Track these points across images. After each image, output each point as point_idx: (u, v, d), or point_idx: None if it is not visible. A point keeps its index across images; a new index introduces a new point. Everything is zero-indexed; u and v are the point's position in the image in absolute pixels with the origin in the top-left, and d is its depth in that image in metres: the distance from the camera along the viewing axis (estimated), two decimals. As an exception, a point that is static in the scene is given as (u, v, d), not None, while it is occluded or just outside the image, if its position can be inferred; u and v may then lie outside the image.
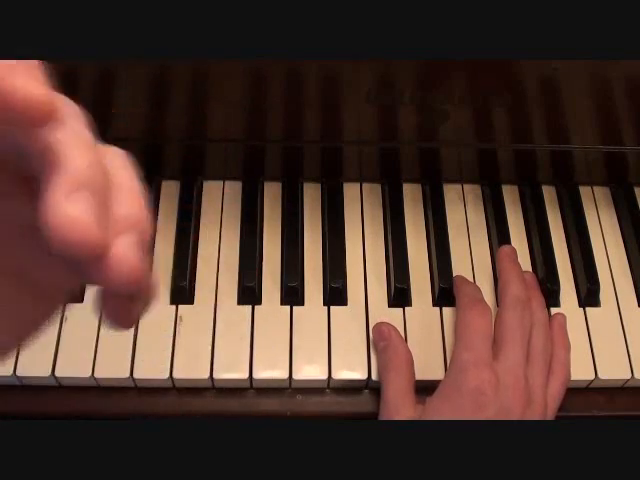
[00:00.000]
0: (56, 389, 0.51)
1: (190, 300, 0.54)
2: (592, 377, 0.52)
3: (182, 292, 0.54)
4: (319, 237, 0.58)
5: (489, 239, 0.59)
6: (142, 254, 0.24)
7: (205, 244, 0.57)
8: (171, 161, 0.60)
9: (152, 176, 0.60)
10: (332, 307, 0.54)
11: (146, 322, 0.52)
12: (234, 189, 0.61)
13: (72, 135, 0.24)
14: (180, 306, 0.54)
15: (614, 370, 0.53)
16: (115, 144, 0.25)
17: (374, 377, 0.51)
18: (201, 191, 0.60)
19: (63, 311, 0.53)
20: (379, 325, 0.52)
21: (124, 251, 0.23)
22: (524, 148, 0.58)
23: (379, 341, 0.51)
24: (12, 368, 0.50)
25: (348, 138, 0.56)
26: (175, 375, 0.50)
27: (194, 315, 0.53)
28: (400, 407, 0.48)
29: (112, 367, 0.51)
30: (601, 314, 0.55)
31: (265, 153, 0.59)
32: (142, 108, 0.53)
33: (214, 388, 0.52)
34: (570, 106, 0.54)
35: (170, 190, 0.60)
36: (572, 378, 0.52)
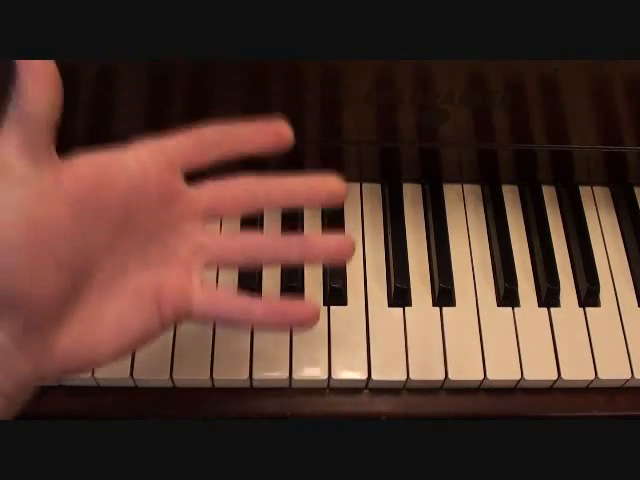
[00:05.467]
0: (56, 389, 0.51)
1: (190, 300, 0.54)
2: (592, 377, 0.52)
3: (182, 292, 0.54)
4: (319, 237, 0.58)
5: (489, 239, 0.59)
6: None
7: (205, 244, 0.57)
8: (171, 161, 0.59)
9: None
10: (332, 307, 0.54)
11: (146, 322, 0.52)
12: (234, 189, 0.60)
13: None
14: (180, 306, 0.53)
15: (614, 370, 0.53)
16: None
17: (374, 377, 0.51)
18: (201, 191, 0.60)
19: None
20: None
21: None
22: (524, 148, 0.58)
23: None
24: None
25: (348, 138, 0.56)
26: (175, 375, 0.50)
27: (194, 315, 0.53)
28: None
29: (112, 367, 0.50)
30: (601, 314, 0.55)
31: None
32: (143, 108, 0.53)
33: (214, 388, 0.52)
34: (570, 106, 0.53)
35: (170, 190, 0.60)
36: (572, 378, 0.52)
